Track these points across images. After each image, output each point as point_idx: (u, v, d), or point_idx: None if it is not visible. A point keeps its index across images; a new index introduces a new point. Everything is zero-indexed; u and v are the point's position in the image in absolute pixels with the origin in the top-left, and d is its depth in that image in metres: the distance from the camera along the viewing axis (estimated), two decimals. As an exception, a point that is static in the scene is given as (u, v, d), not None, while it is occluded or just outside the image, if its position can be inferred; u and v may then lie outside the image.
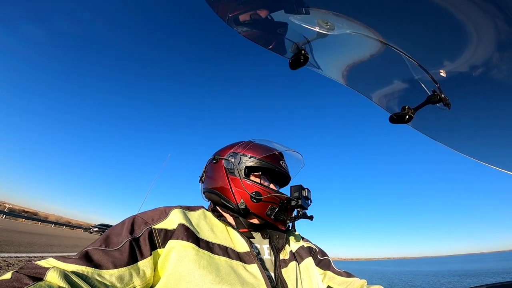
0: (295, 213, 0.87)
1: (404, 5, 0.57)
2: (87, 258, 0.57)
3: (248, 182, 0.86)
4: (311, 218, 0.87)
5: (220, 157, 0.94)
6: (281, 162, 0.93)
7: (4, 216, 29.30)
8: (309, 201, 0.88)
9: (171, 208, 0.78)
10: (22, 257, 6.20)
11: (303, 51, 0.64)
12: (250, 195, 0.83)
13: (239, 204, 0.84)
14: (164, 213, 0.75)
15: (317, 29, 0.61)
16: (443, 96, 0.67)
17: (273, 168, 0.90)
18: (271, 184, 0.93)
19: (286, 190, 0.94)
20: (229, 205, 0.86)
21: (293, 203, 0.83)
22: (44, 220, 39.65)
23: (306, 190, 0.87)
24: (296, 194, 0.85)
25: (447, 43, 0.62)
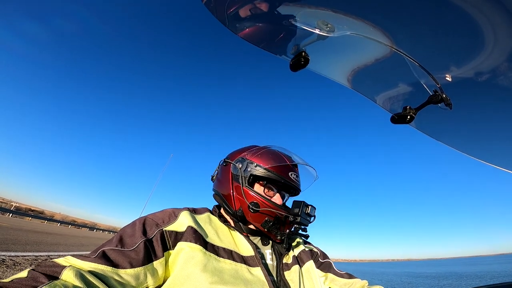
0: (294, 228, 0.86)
1: (405, 6, 0.57)
2: (105, 257, 0.60)
3: (249, 191, 0.85)
4: (306, 237, 0.86)
5: (229, 161, 0.94)
6: (290, 173, 0.89)
7: (11, 214, 29.74)
8: (312, 218, 0.86)
9: (179, 210, 0.80)
10: (28, 256, 6.29)
11: (303, 53, 0.64)
12: (248, 205, 0.83)
13: (237, 212, 0.86)
14: (173, 215, 0.78)
15: (317, 31, 0.61)
16: (444, 96, 0.67)
17: (279, 180, 0.87)
18: (277, 195, 0.90)
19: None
20: (229, 210, 0.88)
21: (291, 219, 0.82)
22: (50, 219, 40.14)
23: (310, 207, 0.85)
24: (296, 210, 0.82)
25: (448, 44, 0.62)
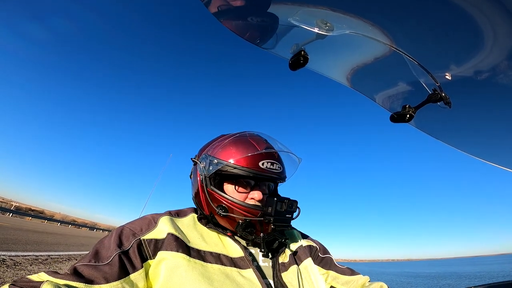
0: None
1: (405, 5, 0.57)
2: (77, 274, 0.56)
3: (215, 193, 0.76)
4: (283, 243, 0.79)
5: (195, 159, 0.85)
6: (261, 163, 0.75)
7: (11, 214, 29.75)
8: (292, 214, 0.76)
9: (159, 216, 0.75)
10: (29, 255, 6.29)
11: (302, 52, 0.64)
12: (215, 209, 0.74)
13: (208, 216, 0.80)
14: (152, 222, 0.73)
15: (316, 30, 0.61)
16: (443, 95, 0.67)
17: (246, 174, 0.74)
18: (254, 191, 0.78)
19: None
20: (203, 214, 0.82)
21: (265, 220, 0.72)
22: (50, 219, 40.17)
23: (286, 202, 0.73)
24: (269, 210, 0.71)
25: (447, 43, 0.62)
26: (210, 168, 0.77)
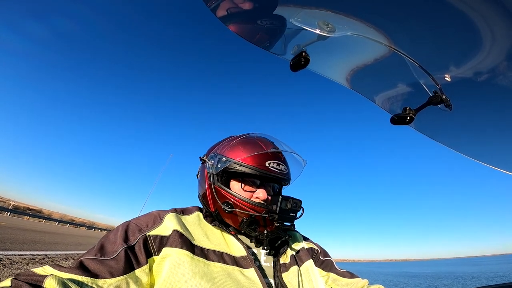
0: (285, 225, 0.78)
1: (406, 7, 0.57)
2: (83, 268, 0.56)
3: (221, 189, 0.78)
4: (286, 241, 0.80)
5: (204, 158, 0.88)
6: (268, 163, 0.78)
7: (9, 213, 29.59)
8: (296, 213, 0.77)
9: (165, 213, 0.76)
10: (26, 255, 6.26)
11: (304, 53, 0.64)
12: (221, 205, 0.76)
13: (214, 213, 0.81)
14: (158, 218, 0.74)
15: (317, 31, 0.61)
16: (444, 97, 0.67)
17: (253, 172, 0.77)
18: (260, 190, 0.80)
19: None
20: (208, 211, 0.84)
21: (270, 217, 0.73)
22: (48, 218, 40.01)
23: (291, 201, 0.74)
24: (274, 207, 0.73)
25: (448, 45, 0.62)
26: (218, 166, 0.79)
